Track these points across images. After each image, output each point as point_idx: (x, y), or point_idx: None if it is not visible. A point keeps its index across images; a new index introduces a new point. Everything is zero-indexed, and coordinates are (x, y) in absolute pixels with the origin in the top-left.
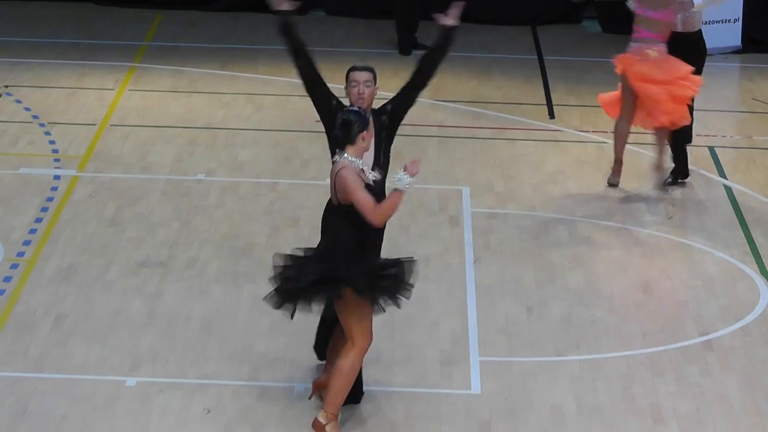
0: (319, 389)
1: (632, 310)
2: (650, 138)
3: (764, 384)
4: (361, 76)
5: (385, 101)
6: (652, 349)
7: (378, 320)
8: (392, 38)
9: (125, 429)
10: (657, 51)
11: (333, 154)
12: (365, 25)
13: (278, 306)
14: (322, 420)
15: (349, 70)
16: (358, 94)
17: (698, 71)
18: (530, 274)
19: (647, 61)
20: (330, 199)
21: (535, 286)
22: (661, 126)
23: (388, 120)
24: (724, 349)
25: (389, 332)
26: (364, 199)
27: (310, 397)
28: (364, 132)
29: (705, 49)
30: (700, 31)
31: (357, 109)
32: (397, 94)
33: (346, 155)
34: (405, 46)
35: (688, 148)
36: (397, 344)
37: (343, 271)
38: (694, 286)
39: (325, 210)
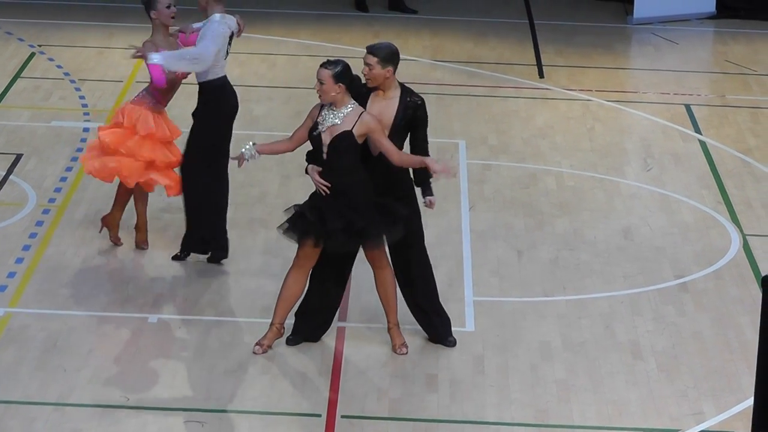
0: None
1: (614, 254)
2: (635, 96)
3: (735, 323)
4: (366, 57)
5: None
6: (632, 291)
7: None
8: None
9: (148, 362)
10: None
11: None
12: None
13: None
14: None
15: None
16: (364, 74)
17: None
18: (520, 220)
19: None
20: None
21: (525, 231)
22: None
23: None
24: (698, 290)
25: None
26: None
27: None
28: None
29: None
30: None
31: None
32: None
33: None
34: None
35: None
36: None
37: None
38: (671, 232)
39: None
